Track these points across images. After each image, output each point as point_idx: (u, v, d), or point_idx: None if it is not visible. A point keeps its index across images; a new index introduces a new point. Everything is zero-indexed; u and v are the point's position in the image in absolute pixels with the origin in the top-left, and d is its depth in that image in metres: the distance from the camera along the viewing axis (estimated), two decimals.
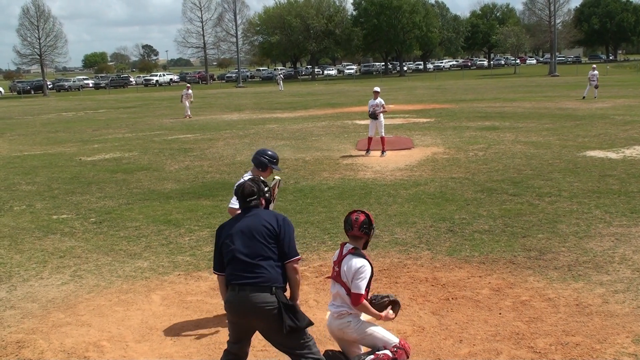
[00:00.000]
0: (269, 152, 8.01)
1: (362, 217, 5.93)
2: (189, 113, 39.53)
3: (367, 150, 20.79)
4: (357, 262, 5.81)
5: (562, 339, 6.97)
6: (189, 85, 42.59)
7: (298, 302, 5.75)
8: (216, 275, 5.85)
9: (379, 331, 5.99)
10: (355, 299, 5.78)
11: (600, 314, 7.60)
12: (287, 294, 5.68)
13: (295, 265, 5.62)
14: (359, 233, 5.92)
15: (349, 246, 5.95)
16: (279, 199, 11.97)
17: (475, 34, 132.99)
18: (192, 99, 40.27)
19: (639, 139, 21.70)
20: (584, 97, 39.87)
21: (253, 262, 5.47)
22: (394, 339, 5.97)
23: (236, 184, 5.92)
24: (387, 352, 5.86)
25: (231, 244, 5.58)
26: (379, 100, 20.55)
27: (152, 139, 28.31)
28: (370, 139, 20.87)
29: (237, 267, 5.52)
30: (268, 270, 5.47)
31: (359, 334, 5.90)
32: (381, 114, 20.51)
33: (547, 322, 7.42)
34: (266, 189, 5.97)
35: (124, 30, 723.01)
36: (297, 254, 5.68)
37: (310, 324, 5.62)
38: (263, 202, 5.88)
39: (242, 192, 5.77)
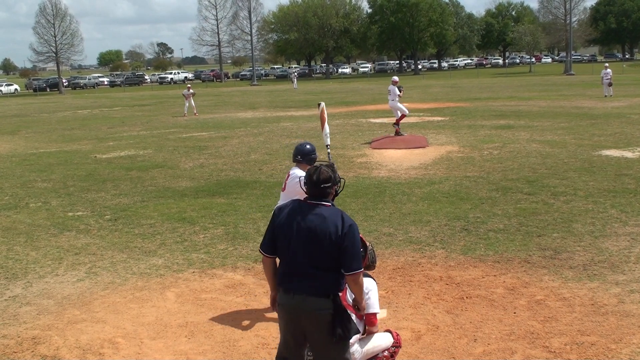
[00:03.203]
0: (308, 147, 7.99)
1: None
2: (186, 111, 39.93)
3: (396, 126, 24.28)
4: (366, 281, 5.81)
5: (577, 339, 6.93)
6: (189, 85, 43.03)
7: (363, 306, 5.39)
8: (262, 256, 5.40)
9: (377, 344, 6.02)
10: (371, 320, 5.86)
11: (615, 313, 7.55)
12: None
13: (357, 277, 5.11)
14: None
15: None
16: None
17: (490, 32, 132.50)
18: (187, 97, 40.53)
19: None
20: (605, 96, 39.62)
21: (312, 270, 5.09)
22: (390, 341, 6.04)
23: (309, 168, 5.36)
24: (386, 352, 5.99)
25: (290, 241, 5.16)
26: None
27: (167, 136, 28.40)
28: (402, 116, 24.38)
29: (294, 271, 5.15)
30: (328, 279, 5.10)
31: (365, 358, 5.95)
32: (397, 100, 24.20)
33: (562, 322, 7.38)
34: (339, 179, 5.41)
35: (134, 28, 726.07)
36: (360, 267, 5.12)
37: (358, 332, 5.44)
38: (333, 192, 5.34)
39: (318, 178, 5.19)
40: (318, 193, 5.23)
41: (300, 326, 5.20)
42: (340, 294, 5.18)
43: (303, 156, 7.92)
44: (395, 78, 25.02)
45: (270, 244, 5.31)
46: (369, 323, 5.89)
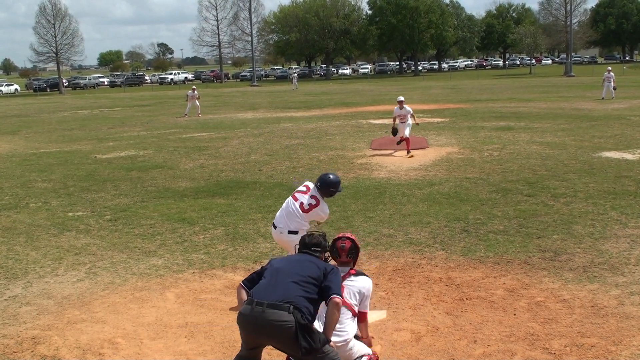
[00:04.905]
0: (332, 178, 8.07)
1: (348, 244, 6.16)
2: (187, 112, 39.83)
3: (408, 151, 20.40)
4: (365, 281, 6.05)
5: (577, 341, 6.94)
6: (194, 87, 42.87)
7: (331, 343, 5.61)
8: (239, 286, 5.82)
9: (360, 347, 6.06)
10: (364, 317, 6.02)
11: (615, 315, 7.56)
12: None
13: (338, 300, 5.49)
14: (347, 259, 6.16)
15: (343, 269, 6.10)
16: None
17: (491, 34, 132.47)
18: (198, 98, 40.37)
19: None
20: (603, 98, 39.54)
21: (287, 281, 5.46)
22: (369, 350, 6.12)
23: (303, 235, 6.22)
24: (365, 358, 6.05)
25: (276, 265, 5.74)
26: (406, 109, 20.73)
27: (167, 137, 28.40)
28: (407, 139, 20.48)
29: (268, 284, 5.50)
30: (293, 293, 5.37)
31: (354, 356, 5.99)
32: (410, 118, 20.68)
33: (562, 324, 7.39)
34: (327, 254, 6.17)
35: (133, 29, 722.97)
36: (340, 293, 5.59)
37: (327, 342, 5.47)
38: (322, 257, 6.01)
39: (310, 241, 6.00)
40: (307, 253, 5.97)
41: (259, 339, 5.46)
42: (301, 311, 5.36)
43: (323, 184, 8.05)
44: (400, 98, 21.61)
45: (253, 279, 5.78)
46: (362, 319, 6.03)
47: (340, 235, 6.28)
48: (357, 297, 5.95)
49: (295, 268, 5.61)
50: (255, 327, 5.34)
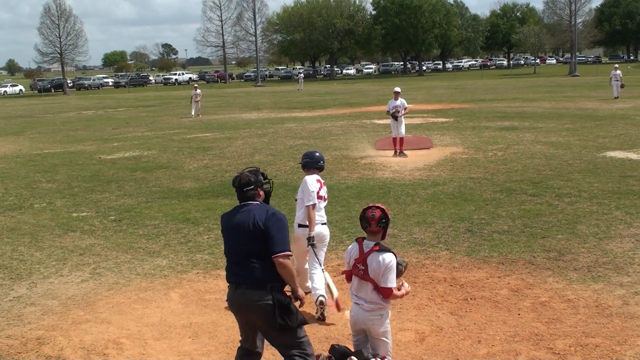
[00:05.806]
0: (317, 154, 8.92)
1: (378, 213, 5.96)
2: (193, 113, 39.54)
3: (395, 152, 20.31)
4: (386, 257, 5.88)
5: (581, 341, 6.93)
6: (196, 85, 42.63)
7: (300, 294, 5.68)
8: None
9: (390, 339, 6.08)
10: (387, 293, 5.86)
11: (620, 315, 7.55)
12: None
13: (282, 260, 5.46)
14: (377, 228, 5.96)
15: (369, 243, 5.95)
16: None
17: (495, 34, 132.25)
18: (198, 99, 40.06)
19: None
20: (616, 97, 39.15)
21: (245, 260, 5.55)
22: (390, 352, 6.11)
23: (234, 177, 5.90)
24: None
25: (227, 240, 5.74)
26: (401, 101, 20.31)
27: (171, 137, 28.43)
28: (395, 139, 20.44)
29: (233, 265, 5.66)
30: (261, 268, 5.49)
31: (382, 331, 5.96)
32: (402, 111, 20.23)
33: (567, 324, 7.38)
34: (265, 180, 5.88)
35: (137, 29, 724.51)
36: (283, 249, 5.49)
37: (304, 323, 5.66)
38: (261, 193, 5.80)
39: (239, 182, 5.72)
40: (244, 196, 5.75)
41: (245, 317, 5.63)
42: (280, 285, 5.56)
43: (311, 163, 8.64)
44: (397, 89, 21.01)
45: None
46: (386, 295, 5.89)
47: (371, 205, 6.17)
48: (378, 272, 5.83)
49: (243, 244, 5.54)
50: (240, 308, 5.60)
